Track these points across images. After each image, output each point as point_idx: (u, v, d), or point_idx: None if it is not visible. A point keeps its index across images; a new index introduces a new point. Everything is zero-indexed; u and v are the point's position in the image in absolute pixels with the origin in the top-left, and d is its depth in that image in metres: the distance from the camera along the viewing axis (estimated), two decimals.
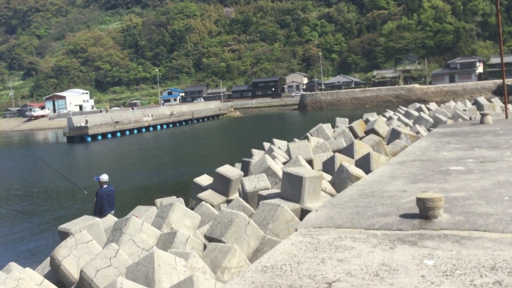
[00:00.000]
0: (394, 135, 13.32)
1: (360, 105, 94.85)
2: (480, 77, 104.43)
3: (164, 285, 5.18)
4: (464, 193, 5.77)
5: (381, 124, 15.71)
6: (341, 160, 10.37)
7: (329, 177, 10.25)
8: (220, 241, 6.55)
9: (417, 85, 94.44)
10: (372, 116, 19.85)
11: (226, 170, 11.31)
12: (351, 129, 17.12)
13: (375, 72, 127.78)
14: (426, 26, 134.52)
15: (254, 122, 75.76)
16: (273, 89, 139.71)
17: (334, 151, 12.41)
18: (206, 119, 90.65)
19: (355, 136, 16.52)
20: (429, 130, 16.52)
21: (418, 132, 15.04)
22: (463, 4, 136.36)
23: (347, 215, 5.26)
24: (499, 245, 3.90)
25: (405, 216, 4.97)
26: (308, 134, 16.29)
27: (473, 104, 24.06)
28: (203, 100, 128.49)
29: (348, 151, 11.15)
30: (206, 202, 10.58)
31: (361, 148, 10.93)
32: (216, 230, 6.71)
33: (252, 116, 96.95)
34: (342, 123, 19.85)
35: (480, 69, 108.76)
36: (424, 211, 4.77)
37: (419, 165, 8.11)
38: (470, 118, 18.66)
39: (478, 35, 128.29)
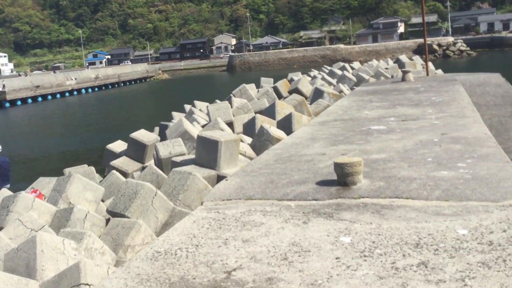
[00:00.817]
0: (317, 94, 12.93)
1: (288, 65, 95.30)
2: (402, 37, 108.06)
3: (48, 273, 4.39)
4: (385, 154, 5.38)
5: (305, 84, 15.28)
6: (262, 121, 9.81)
7: (249, 139, 9.68)
8: (123, 216, 5.79)
9: (342, 45, 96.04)
10: (297, 76, 19.43)
11: (141, 135, 10.41)
12: (275, 89, 16.61)
13: (302, 33, 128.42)
14: None
15: (183, 84, 73.85)
16: (201, 50, 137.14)
17: (256, 112, 11.84)
18: (133, 82, 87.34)
19: (279, 96, 16.05)
20: (352, 88, 16.39)
21: (341, 91, 14.80)
22: None
23: (259, 184, 4.67)
24: (423, 215, 3.48)
25: (322, 183, 4.47)
26: (231, 95, 15.59)
27: (395, 62, 24.35)
28: (130, 63, 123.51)
29: (269, 111, 10.60)
30: (120, 169, 9.72)
31: (283, 108, 10.41)
32: (120, 204, 5.93)
33: (181, 78, 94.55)
34: (267, 83, 19.29)
35: (401, 29, 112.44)
36: (342, 177, 4.28)
37: (340, 125, 7.70)
38: (392, 76, 18.77)
39: None
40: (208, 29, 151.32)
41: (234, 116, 11.77)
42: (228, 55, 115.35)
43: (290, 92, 15.24)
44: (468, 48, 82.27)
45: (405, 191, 4.03)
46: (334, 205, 3.87)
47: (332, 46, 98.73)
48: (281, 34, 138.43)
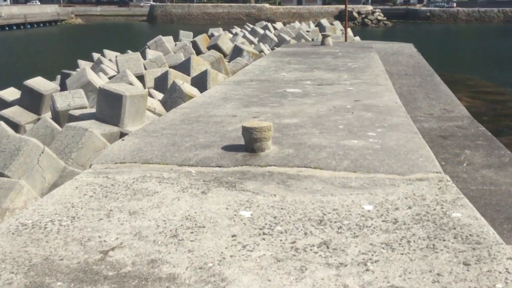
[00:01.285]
0: (237, 52, 12.45)
1: (211, 21, 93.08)
2: (325, 1, 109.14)
3: None
4: (298, 119, 5.13)
5: (225, 40, 14.70)
6: (176, 76, 9.22)
7: (161, 95, 9.08)
8: (3, 175, 5.09)
9: (267, 5, 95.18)
10: (218, 31, 18.74)
11: (37, 83, 9.40)
12: (194, 44, 15.87)
13: None
14: None
15: (97, 31, 69.43)
16: None
17: (171, 67, 11.17)
18: (41, 25, 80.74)
19: (198, 51, 15.37)
20: (273, 49, 16.10)
21: (261, 51, 14.44)
22: None
23: (160, 146, 4.23)
24: (330, 187, 3.25)
25: (229, 148, 4.12)
26: (146, 46, 14.66)
27: (316, 26, 24.36)
28: (39, 3, 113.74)
29: (184, 67, 9.97)
30: (11, 120, 8.74)
31: (199, 64, 9.84)
32: None
33: (96, 25, 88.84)
34: (186, 37, 18.41)
35: None
36: (249, 143, 3.96)
37: (256, 85, 7.36)
38: (313, 39, 18.71)
39: None
40: None
41: (146, 69, 11.02)
42: (149, 4, 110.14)
43: (209, 48, 14.62)
44: (385, 18, 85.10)
45: (314, 160, 3.79)
46: (239, 173, 3.54)
47: (258, 4, 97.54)
48: None
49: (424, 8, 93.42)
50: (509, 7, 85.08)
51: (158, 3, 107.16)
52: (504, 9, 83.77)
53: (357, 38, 22.50)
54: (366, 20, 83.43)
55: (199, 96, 6.59)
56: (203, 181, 3.41)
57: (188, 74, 9.63)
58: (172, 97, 8.49)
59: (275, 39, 17.31)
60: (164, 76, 9.24)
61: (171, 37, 16.39)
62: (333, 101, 6.04)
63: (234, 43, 14.30)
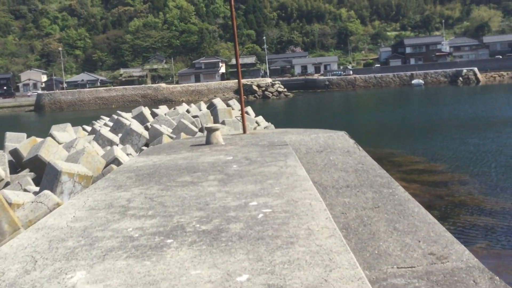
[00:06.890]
0: (50, 177, 6.83)
1: (105, 105, 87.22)
2: (223, 77, 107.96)
3: None
4: None
5: (51, 149, 9.01)
6: None
7: None
8: None
9: (163, 85, 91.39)
10: (65, 129, 12.97)
11: None
12: (15, 153, 10.07)
13: (122, 71, 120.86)
14: (172, 26, 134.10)
15: None
16: (5, 87, 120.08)
17: None
18: None
19: (22, 166, 9.59)
20: (141, 150, 10.76)
21: (114, 160, 8.93)
22: (205, 6, 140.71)
23: None
24: None
25: None
26: None
27: (208, 107, 19.45)
28: None
29: None
30: None
31: None
32: None
33: None
34: (15, 141, 12.47)
35: (223, 69, 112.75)
36: None
37: None
38: (201, 129, 13.73)
39: (220, 37, 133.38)
40: (15, 63, 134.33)
41: None
42: (36, 93, 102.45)
43: (24, 166, 8.89)
44: (285, 89, 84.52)
45: None
46: None
47: (154, 85, 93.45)
48: (100, 71, 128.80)
49: (322, 77, 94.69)
50: (403, 71, 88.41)
51: (45, 91, 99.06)
52: (399, 73, 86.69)
53: (260, 119, 18.00)
54: (266, 92, 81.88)
55: None
56: None
57: None
58: None
59: (146, 134, 11.99)
60: None
61: None
62: None
63: (70, 152, 8.65)
